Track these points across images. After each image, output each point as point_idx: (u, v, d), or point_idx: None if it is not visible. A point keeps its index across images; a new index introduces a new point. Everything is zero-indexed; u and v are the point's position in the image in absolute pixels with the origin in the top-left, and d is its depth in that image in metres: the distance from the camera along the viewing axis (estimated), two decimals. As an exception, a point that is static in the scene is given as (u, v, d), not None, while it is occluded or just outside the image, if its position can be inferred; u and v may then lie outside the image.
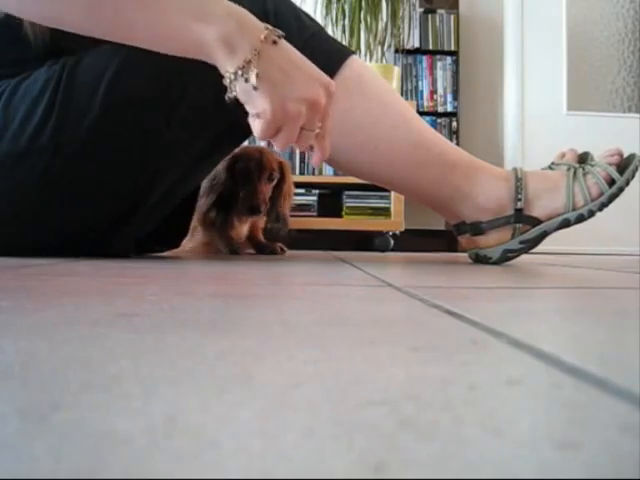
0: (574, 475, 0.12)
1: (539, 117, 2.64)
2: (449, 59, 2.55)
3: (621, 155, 0.92)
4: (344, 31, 2.18)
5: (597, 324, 0.34)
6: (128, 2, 0.62)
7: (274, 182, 1.33)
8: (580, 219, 0.90)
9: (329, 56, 0.86)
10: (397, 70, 2.18)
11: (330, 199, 2.35)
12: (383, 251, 2.20)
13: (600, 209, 0.89)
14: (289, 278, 0.67)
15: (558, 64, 2.67)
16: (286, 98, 0.63)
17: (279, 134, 0.65)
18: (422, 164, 0.90)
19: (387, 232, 2.26)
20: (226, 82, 0.63)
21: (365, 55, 2.19)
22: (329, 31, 2.05)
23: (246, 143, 1.24)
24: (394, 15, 2.21)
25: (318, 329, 0.30)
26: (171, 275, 0.65)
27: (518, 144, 2.62)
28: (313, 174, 2.33)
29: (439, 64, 2.55)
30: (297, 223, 1.90)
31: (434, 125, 2.47)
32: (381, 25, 2.21)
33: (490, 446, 0.14)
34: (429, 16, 2.55)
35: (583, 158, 0.95)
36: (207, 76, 0.67)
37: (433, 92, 2.54)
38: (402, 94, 2.46)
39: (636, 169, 0.90)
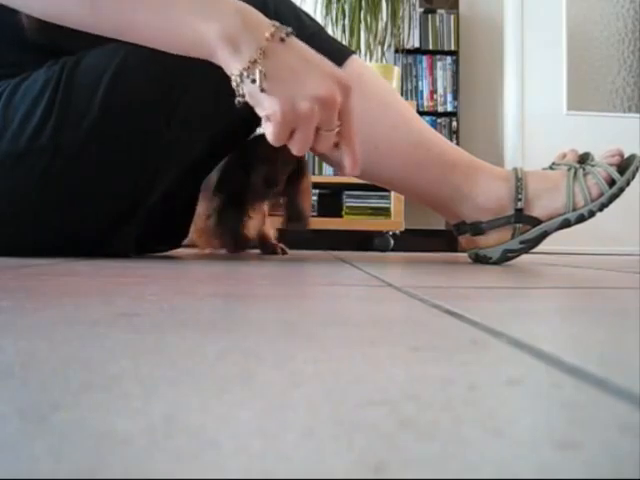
0: (574, 475, 0.12)
1: (539, 117, 2.64)
2: (449, 59, 2.55)
3: (622, 155, 0.92)
4: (344, 31, 2.18)
5: (597, 324, 0.34)
6: None
7: (289, 168, 1.29)
8: (580, 219, 0.90)
9: (329, 56, 0.86)
10: (397, 70, 2.18)
11: (330, 199, 2.35)
12: (383, 251, 2.20)
13: (600, 209, 0.89)
14: (289, 278, 0.67)
15: (558, 64, 2.67)
16: (296, 97, 0.59)
17: (294, 137, 0.61)
18: (422, 164, 0.90)
19: (387, 232, 2.26)
20: (233, 85, 0.60)
21: (365, 55, 2.19)
22: (329, 31, 2.05)
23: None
24: (394, 15, 2.21)
25: (318, 329, 0.30)
26: (171, 275, 0.65)
27: (518, 144, 2.62)
28: (313, 174, 2.33)
29: (439, 64, 2.55)
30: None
31: (434, 125, 2.47)
32: (381, 25, 2.21)
33: (490, 446, 0.14)
34: (429, 16, 2.55)
35: (583, 158, 0.95)
36: (207, 76, 0.66)
37: (433, 92, 2.54)
38: (402, 94, 2.46)
39: (636, 169, 0.90)
